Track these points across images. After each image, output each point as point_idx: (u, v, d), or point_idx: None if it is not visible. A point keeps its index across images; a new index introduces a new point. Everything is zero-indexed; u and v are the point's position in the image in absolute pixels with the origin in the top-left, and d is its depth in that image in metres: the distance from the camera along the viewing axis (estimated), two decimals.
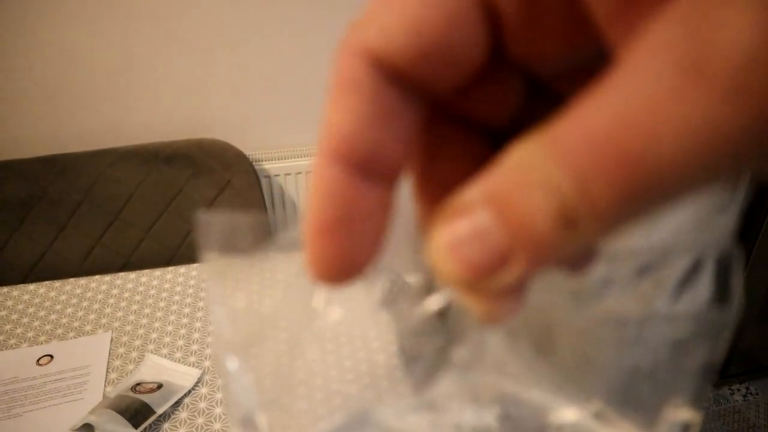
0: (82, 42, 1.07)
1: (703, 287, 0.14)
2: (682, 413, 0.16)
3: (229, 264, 0.16)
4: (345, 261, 0.12)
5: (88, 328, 0.79)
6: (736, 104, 0.08)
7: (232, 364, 0.16)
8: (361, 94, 0.12)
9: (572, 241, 0.10)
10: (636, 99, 0.09)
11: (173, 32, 1.09)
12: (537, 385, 0.15)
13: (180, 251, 1.10)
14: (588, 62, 0.12)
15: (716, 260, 0.14)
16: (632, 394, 0.16)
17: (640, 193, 0.09)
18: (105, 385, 0.70)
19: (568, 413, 0.16)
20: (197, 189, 1.08)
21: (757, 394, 1.58)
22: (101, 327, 0.79)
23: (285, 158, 1.24)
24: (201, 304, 0.82)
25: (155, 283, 0.88)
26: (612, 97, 0.09)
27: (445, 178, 0.14)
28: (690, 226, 0.13)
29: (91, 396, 0.68)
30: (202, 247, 0.16)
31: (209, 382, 0.69)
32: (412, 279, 0.14)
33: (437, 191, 0.14)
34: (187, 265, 0.92)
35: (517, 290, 0.12)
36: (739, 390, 1.59)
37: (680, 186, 0.09)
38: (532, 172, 0.10)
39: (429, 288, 0.14)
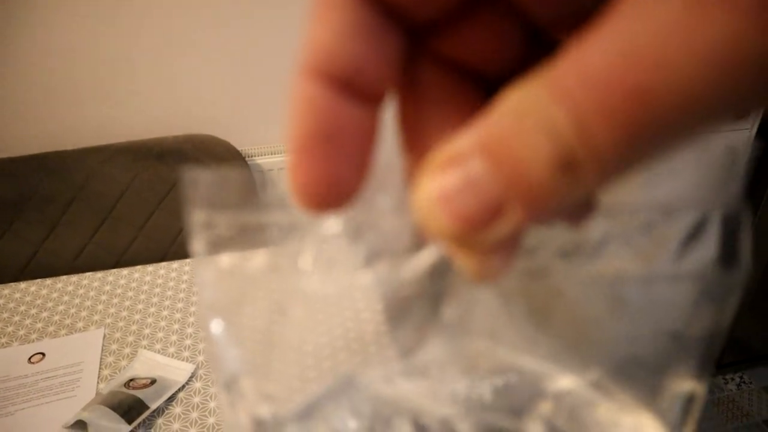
0: (72, 39, 1.06)
1: (709, 247, 0.14)
2: (686, 384, 0.15)
3: (214, 221, 0.15)
4: (330, 181, 0.12)
5: (80, 325, 0.78)
6: (759, 21, 0.07)
7: (216, 326, 0.15)
8: (342, 9, 0.11)
9: (571, 189, 0.10)
10: (643, 27, 0.08)
11: (164, 28, 1.08)
12: (532, 353, 0.15)
13: (173, 248, 1.09)
14: (590, 7, 0.12)
15: (723, 219, 0.13)
16: (633, 363, 0.16)
17: (647, 131, 0.08)
18: (98, 382, 0.69)
19: (565, 381, 0.16)
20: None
21: (750, 382, 1.59)
22: (93, 324, 0.78)
23: (278, 153, 1.23)
24: (194, 299, 0.81)
25: (148, 278, 0.87)
26: (615, 31, 0.08)
27: (436, 126, 0.13)
28: (695, 182, 0.13)
29: (84, 393, 0.67)
30: (188, 203, 0.15)
31: (203, 377, 0.69)
32: (399, 232, 0.14)
33: (427, 140, 0.13)
34: (180, 261, 0.92)
35: (510, 245, 0.12)
36: (733, 379, 1.60)
37: (691, 119, 0.08)
38: (528, 115, 0.09)
39: (417, 242, 0.14)
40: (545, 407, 0.16)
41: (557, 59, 0.09)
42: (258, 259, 0.16)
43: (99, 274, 0.89)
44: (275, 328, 0.16)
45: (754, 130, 1.28)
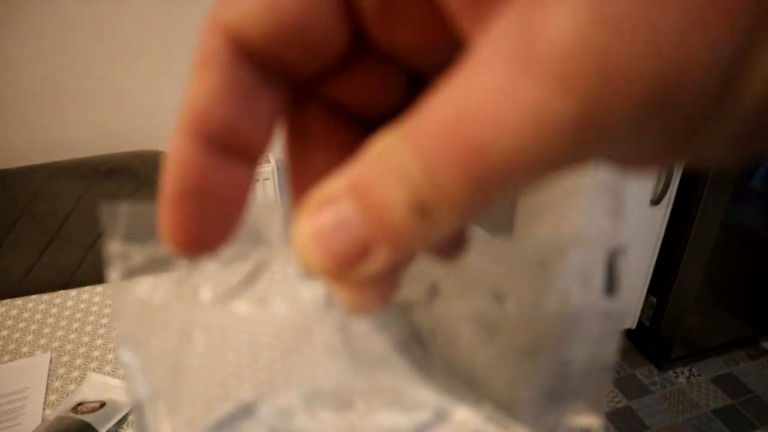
0: (11, 54, 1.03)
1: (592, 282, 0.14)
2: (582, 418, 0.16)
3: (131, 253, 0.16)
4: (194, 235, 0.12)
5: (25, 350, 0.76)
6: (563, 93, 0.08)
7: (127, 354, 0.16)
8: (218, 70, 0.12)
9: (430, 230, 0.10)
10: (477, 88, 0.09)
11: (108, 42, 1.07)
12: (428, 385, 0.16)
13: None
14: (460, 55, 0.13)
15: (606, 253, 0.14)
16: (527, 398, 0.16)
17: (486, 180, 0.09)
18: (44, 408, 0.67)
19: (462, 415, 0.16)
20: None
21: (699, 375, 1.66)
22: (39, 348, 0.76)
23: None
24: None
25: (97, 299, 0.85)
26: (457, 88, 0.09)
27: (321, 168, 0.14)
28: (578, 218, 0.14)
29: (29, 420, 0.65)
30: (105, 236, 0.16)
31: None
32: (291, 264, 0.14)
33: (311, 180, 0.14)
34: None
35: (387, 279, 0.13)
36: (683, 373, 1.66)
37: (524, 173, 0.09)
38: (388, 161, 0.10)
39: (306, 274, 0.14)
40: None
41: (416, 109, 0.10)
42: (165, 288, 0.16)
43: (45, 296, 0.86)
44: (182, 356, 0.16)
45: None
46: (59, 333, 0.79)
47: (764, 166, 1.38)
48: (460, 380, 0.16)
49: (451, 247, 0.14)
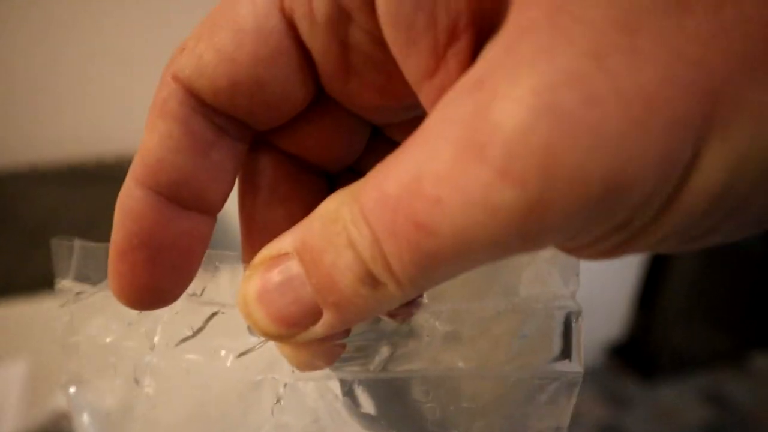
0: (5, 53, 1.01)
1: (545, 345, 0.14)
2: None
3: (81, 292, 0.16)
4: (142, 287, 0.12)
5: None
6: (506, 185, 0.08)
7: (75, 394, 0.16)
8: (174, 120, 0.12)
9: (377, 301, 0.10)
10: (426, 168, 0.09)
11: (97, 39, 1.05)
12: None
13: None
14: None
15: (558, 316, 0.14)
16: None
17: (432, 258, 0.09)
18: (18, 421, 0.65)
19: None
20: None
21: (686, 389, 1.66)
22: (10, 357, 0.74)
23: None
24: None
25: None
26: (406, 163, 0.09)
27: (274, 220, 0.14)
28: (527, 281, 0.14)
29: None
30: (56, 273, 0.16)
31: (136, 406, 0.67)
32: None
33: (264, 234, 0.14)
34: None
35: (332, 340, 0.13)
36: (669, 387, 1.66)
37: (469, 255, 0.09)
38: (338, 226, 0.10)
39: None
40: None
41: (367, 176, 0.10)
42: (116, 329, 0.16)
43: (21, 304, 0.84)
44: (131, 401, 0.16)
45: None
46: (34, 343, 0.77)
47: None
48: None
49: (402, 309, 0.14)
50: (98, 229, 0.94)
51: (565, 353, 0.14)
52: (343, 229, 0.10)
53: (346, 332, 0.13)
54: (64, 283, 0.16)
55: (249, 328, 0.14)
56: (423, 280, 0.10)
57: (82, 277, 0.15)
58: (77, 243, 0.16)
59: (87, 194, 1.03)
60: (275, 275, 0.11)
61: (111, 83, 1.11)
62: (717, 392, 1.67)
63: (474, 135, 0.08)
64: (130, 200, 0.12)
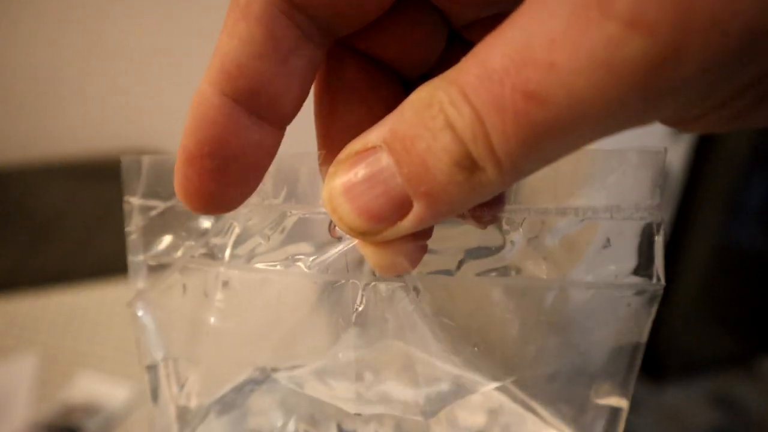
0: (7, 49, 1.01)
1: (625, 256, 0.14)
2: (609, 399, 0.15)
3: (150, 211, 0.15)
4: (207, 195, 0.12)
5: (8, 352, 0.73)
6: (637, 37, 0.08)
7: (142, 312, 0.15)
8: (257, 22, 0.11)
9: (471, 187, 0.10)
10: (537, 34, 0.08)
11: (108, 35, 1.05)
12: (448, 360, 0.15)
13: (113, 272, 1.04)
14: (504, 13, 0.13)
15: (640, 227, 0.14)
16: (553, 375, 0.15)
17: (541, 131, 0.09)
18: (28, 414, 0.64)
19: (479, 388, 0.16)
20: None
21: (693, 392, 1.65)
22: (23, 351, 0.74)
23: None
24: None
25: (82, 303, 0.83)
26: (511, 36, 0.09)
27: (353, 123, 0.13)
28: (611, 189, 0.13)
29: (9, 429, 0.62)
30: (125, 191, 0.15)
31: (144, 397, 0.66)
32: (319, 225, 0.14)
33: (342, 137, 0.13)
34: (119, 282, 0.88)
35: (417, 241, 0.12)
36: (677, 390, 1.65)
37: (583, 126, 0.09)
38: (433, 109, 0.10)
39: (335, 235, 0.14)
40: (473, 420, 0.16)
41: (465, 58, 0.10)
42: (186, 247, 0.16)
43: (30, 298, 0.84)
44: (200, 318, 0.16)
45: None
46: (43, 336, 0.76)
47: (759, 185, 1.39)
48: (481, 354, 0.15)
49: (488, 210, 0.13)
50: (106, 224, 0.94)
51: (646, 266, 0.14)
52: (440, 111, 0.09)
53: (429, 233, 0.13)
54: (133, 199, 0.15)
55: (330, 228, 0.14)
56: (525, 160, 0.09)
57: (151, 194, 0.15)
58: (146, 158, 0.15)
59: (95, 190, 1.03)
60: (362, 168, 0.11)
61: (120, 79, 1.11)
62: (725, 395, 1.66)
63: None
64: (205, 106, 0.11)
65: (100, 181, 1.03)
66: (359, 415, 0.15)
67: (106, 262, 1.03)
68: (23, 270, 1.01)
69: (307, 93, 0.13)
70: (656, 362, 1.63)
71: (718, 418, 1.58)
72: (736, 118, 0.10)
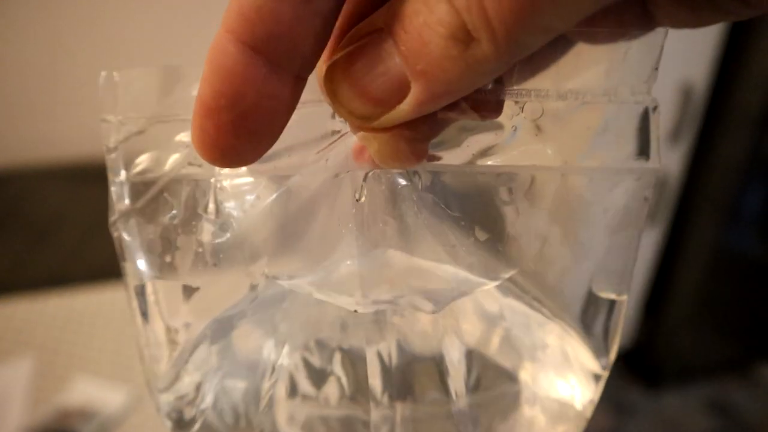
0: (3, 48, 1.01)
1: (623, 141, 0.14)
2: (610, 292, 0.15)
3: (129, 126, 0.15)
4: (223, 146, 0.11)
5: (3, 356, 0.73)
6: None
7: (127, 232, 0.15)
8: None
9: (467, 64, 0.10)
10: None
11: (106, 37, 1.05)
12: (451, 261, 0.14)
13: (110, 276, 1.04)
14: None
15: (637, 111, 0.14)
16: (553, 268, 0.15)
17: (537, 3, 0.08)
18: (24, 418, 0.64)
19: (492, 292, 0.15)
20: None
21: (691, 398, 1.64)
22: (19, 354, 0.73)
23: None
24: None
25: (78, 306, 0.83)
26: None
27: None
28: (608, 74, 0.13)
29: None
30: (102, 108, 0.15)
31: (140, 400, 0.65)
32: (311, 121, 0.13)
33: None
34: (120, 286, 0.87)
35: (417, 132, 0.12)
36: (674, 395, 1.65)
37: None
38: None
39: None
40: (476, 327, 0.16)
41: None
42: (173, 161, 0.15)
43: (28, 300, 0.83)
44: (191, 231, 0.15)
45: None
46: (40, 339, 0.76)
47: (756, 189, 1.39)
48: (482, 245, 0.15)
49: (488, 101, 0.13)
50: (104, 227, 0.93)
51: (643, 151, 0.14)
52: None
53: (432, 125, 0.12)
54: (110, 118, 0.14)
55: (332, 114, 0.13)
56: (521, 30, 0.09)
57: (129, 110, 0.14)
58: (122, 73, 0.14)
59: (92, 193, 1.02)
60: (362, 49, 0.10)
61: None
62: (722, 402, 1.66)
63: None
64: (222, 56, 0.11)
65: (97, 184, 1.02)
66: (356, 311, 0.14)
67: (104, 265, 1.03)
68: (20, 273, 1.00)
69: (329, 36, 0.12)
70: (653, 368, 1.63)
71: (715, 424, 1.58)
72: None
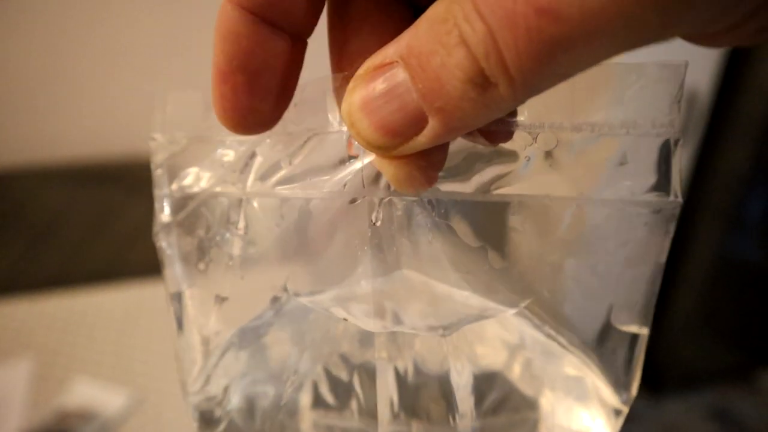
0: (6, 49, 1.01)
1: (642, 173, 0.14)
2: (631, 326, 0.15)
3: (174, 145, 0.16)
4: (242, 107, 0.12)
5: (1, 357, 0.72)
6: None
7: (165, 243, 0.16)
8: None
9: (484, 103, 0.10)
10: None
11: (106, 39, 1.05)
12: (466, 286, 0.15)
13: (113, 278, 1.04)
14: None
15: (657, 144, 0.14)
16: (569, 299, 0.15)
17: (550, 48, 0.09)
18: (23, 419, 0.63)
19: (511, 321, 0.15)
20: (135, 208, 1.03)
21: (692, 406, 1.64)
22: (18, 355, 0.73)
23: None
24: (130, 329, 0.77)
25: (78, 307, 0.82)
26: None
27: (367, 45, 0.13)
28: (628, 106, 0.13)
29: None
30: (152, 127, 0.16)
31: (141, 403, 0.65)
32: (335, 146, 0.14)
33: (357, 58, 0.13)
34: (121, 288, 0.87)
35: (432, 158, 0.12)
36: (675, 403, 1.64)
37: (595, 38, 0.09)
38: (445, 27, 0.10)
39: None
40: (494, 357, 0.16)
41: None
42: (210, 177, 0.16)
43: (28, 301, 0.83)
44: (223, 244, 0.16)
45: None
46: (40, 340, 0.75)
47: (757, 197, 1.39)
48: (497, 273, 0.15)
49: (501, 127, 0.13)
50: (105, 229, 0.93)
51: (663, 183, 0.14)
52: (454, 26, 0.09)
53: (445, 151, 0.13)
54: (157, 137, 0.16)
55: (348, 142, 0.14)
56: (537, 76, 0.09)
57: (174, 129, 0.16)
58: (171, 95, 0.16)
59: (93, 194, 1.02)
60: (380, 83, 0.11)
61: (120, 82, 1.11)
62: (724, 409, 1.65)
63: None
64: (226, 22, 0.12)
65: (98, 185, 1.02)
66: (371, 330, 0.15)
67: (104, 267, 1.02)
68: (20, 274, 1.00)
69: (322, 3, 0.13)
70: (655, 375, 1.62)
71: (717, 431, 1.57)
72: (761, 31, 0.10)
